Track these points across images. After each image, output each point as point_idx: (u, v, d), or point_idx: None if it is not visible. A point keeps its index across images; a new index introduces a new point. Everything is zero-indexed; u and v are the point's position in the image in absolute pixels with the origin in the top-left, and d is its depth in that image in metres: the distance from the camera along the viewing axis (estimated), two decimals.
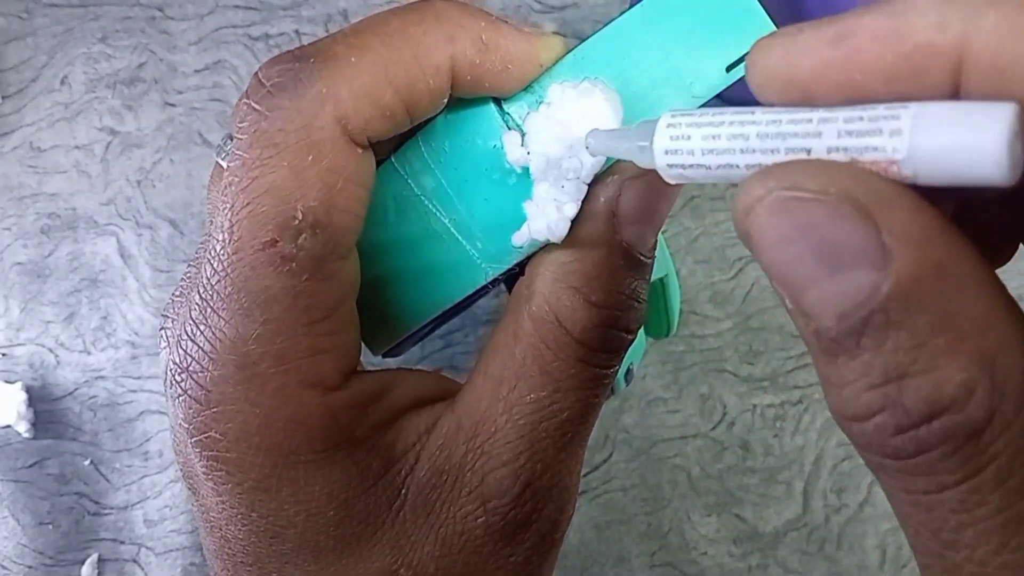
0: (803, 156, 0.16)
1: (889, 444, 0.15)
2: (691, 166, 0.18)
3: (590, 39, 0.23)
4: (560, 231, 0.23)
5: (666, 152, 0.18)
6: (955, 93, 0.15)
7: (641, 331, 0.40)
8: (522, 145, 0.23)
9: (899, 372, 0.14)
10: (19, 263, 0.46)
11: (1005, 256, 0.20)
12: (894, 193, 0.14)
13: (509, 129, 0.24)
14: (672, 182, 0.19)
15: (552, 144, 0.23)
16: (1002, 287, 0.15)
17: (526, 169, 0.24)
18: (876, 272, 0.14)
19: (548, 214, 0.23)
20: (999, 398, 0.14)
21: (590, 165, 0.23)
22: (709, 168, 0.17)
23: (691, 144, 0.17)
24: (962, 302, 0.14)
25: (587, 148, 0.22)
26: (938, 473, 0.15)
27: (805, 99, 0.16)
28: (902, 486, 0.15)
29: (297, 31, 0.47)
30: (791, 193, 0.15)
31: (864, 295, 0.15)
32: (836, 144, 0.15)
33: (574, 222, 0.24)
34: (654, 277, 0.26)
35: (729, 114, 0.17)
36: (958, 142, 0.13)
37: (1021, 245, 0.20)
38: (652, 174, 0.20)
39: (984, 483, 0.14)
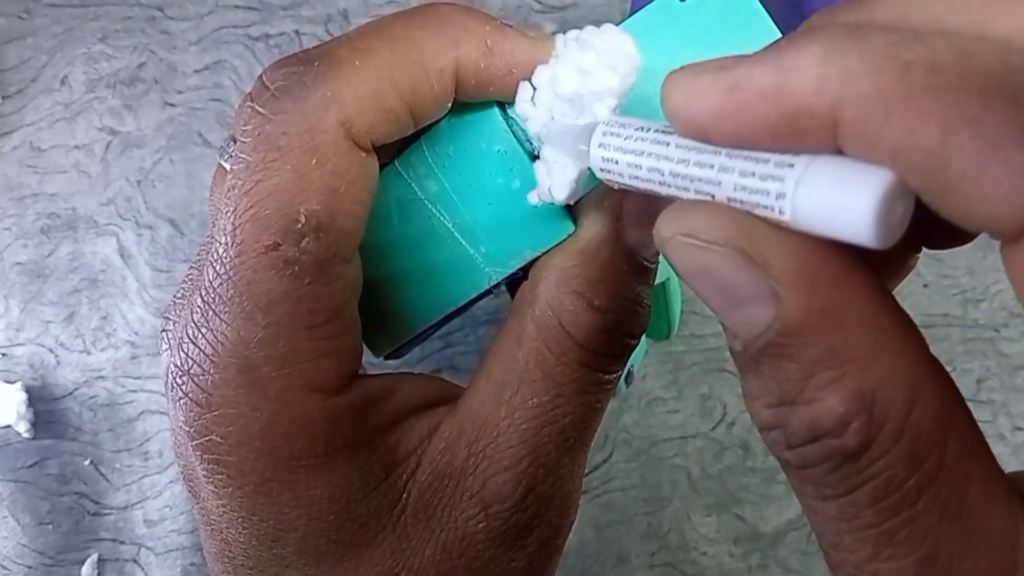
0: (709, 198, 0.17)
1: (783, 455, 0.17)
2: (623, 183, 0.20)
3: None
4: (559, 195, 0.23)
5: (601, 169, 0.20)
6: (837, 148, 0.15)
7: None
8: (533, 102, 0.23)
9: (789, 398, 0.16)
10: (19, 263, 0.46)
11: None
12: (782, 242, 0.16)
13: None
14: (601, 176, 0.21)
15: (554, 102, 0.23)
16: (896, 326, 0.16)
17: (530, 172, 0.24)
18: (769, 309, 0.16)
19: (553, 175, 0.23)
20: (876, 430, 0.15)
21: (584, 127, 0.22)
22: (638, 187, 0.19)
23: (619, 168, 0.19)
24: (847, 342, 0.15)
25: (542, 139, 0.23)
26: (822, 486, 0.16)
27: (705, 139, 0.17)
28: (799, 489, 0.17)
29: (297, 31, 0.46)
30: (688, 240, 0.17)
31: (760, 328, 0.16)
32: (733, 196, 0.16)
33: (578, 211, 0.24)
34: (656, 281, 0.26)
35: (648, 143, 0.18)
36: (833, 209, 0.14)
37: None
38: None
39: (860, 500, 0.16)
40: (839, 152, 0.15)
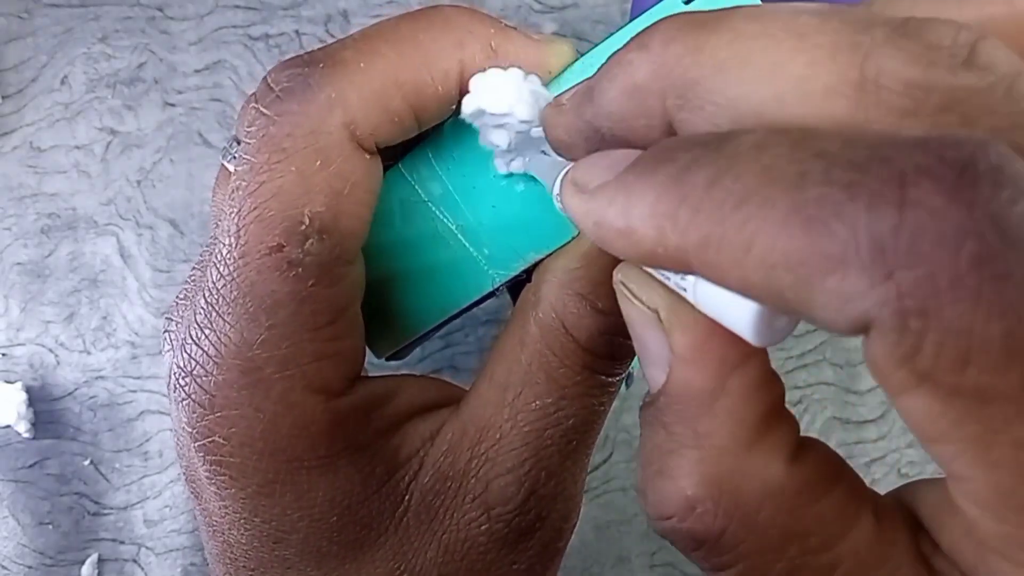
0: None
1: (650, 523, 0.18)
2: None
3: (598, 46, 0.23)
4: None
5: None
6: None
7: None
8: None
9: (653, 467, 0.17)
10: (19, 263, 0.46)
11: None
12: (686, 320, 0.17)
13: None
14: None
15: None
16: (765, 421, 0.17)
17: (532, 175, 0.24)
18: (663, 375, 0.17)
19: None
20: (726, 519, 0.16)
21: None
22: None
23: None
24: (712, 428, 0.16)
25: (526, 166, 0.24)
26: (695, 559, 0.17)
27: None
28: None
29: (297, 31, 0.46)
30: (622, 289, 0.18)
31: (655, 388, 0.17)
32: (659, 276, 0.17)
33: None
34: None
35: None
36: (723, 314, 0.15)
37: None
38: None
39: None
40: None
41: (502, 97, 0.22)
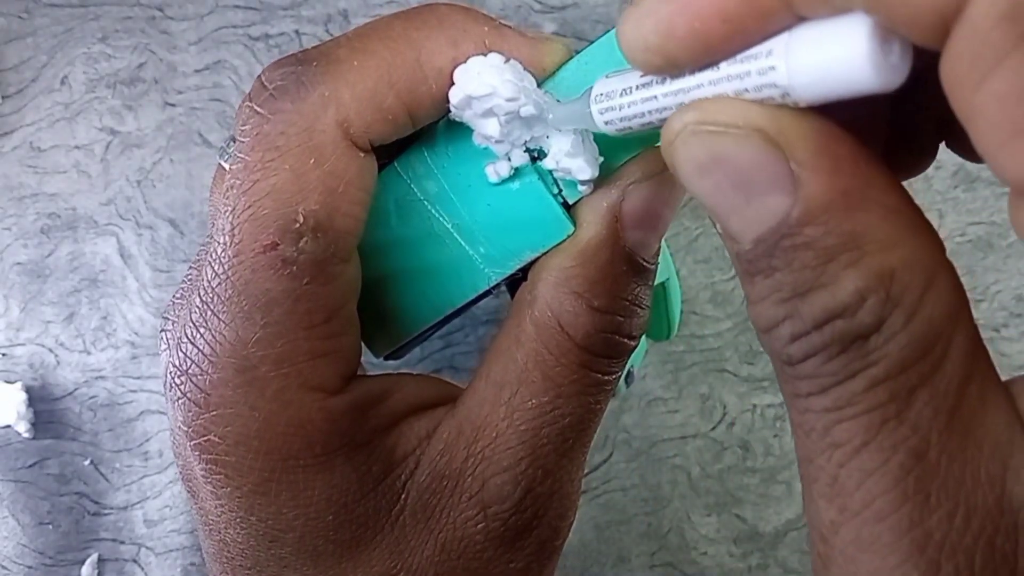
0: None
1: (784, 352, 0.16)
2: (623, 122, 0.20)
3: (593, 45, 0.23)
4: (584, 175, 0.23)
5: (602, 116, 0.20)
6: (792, 11, 0.15)
7: None
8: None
9: (805, 287, 0.16)
10: (19, 263, 0.46)
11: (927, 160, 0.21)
12: (803, 124, 0.15)
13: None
14: (616, 134, 0.20)
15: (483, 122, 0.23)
16: (912, 211, 0.16)
17: (529, 172, 0.24)
18: (786, 197, 0.15)
19: (574, 160, 0.23)
20: (891, 308, 0.15)
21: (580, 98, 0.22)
22: (634, 123, 0.19)
23: (617, 110, 0.20)
24: (867, 224, 0.15)
25: (550, 122, 0.23)
26: (819, 376, 0.16)
27: (669, 64, 0.17)
28: (791, 390, 0.17)
29: (297, 31, 0.46)
30: (705, 127, 0.16)
31: (776, 219, 0.16)
32: (734, 88, 0.16)
33: (577, 212, 0.24)
34: (656, 281, 0.26)
35: (639, 103, 0.19)
36: (831, 65, 0.14)
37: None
38: (656, 178, 0.21)
39: (857, 386, 0.16)
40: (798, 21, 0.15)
41: (484, 79, 0.22)
